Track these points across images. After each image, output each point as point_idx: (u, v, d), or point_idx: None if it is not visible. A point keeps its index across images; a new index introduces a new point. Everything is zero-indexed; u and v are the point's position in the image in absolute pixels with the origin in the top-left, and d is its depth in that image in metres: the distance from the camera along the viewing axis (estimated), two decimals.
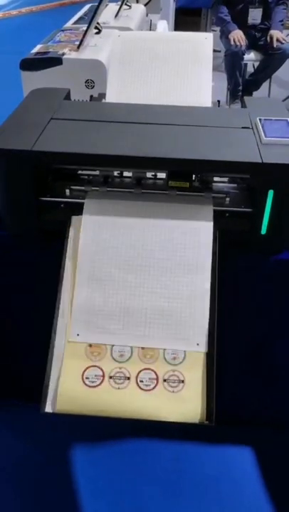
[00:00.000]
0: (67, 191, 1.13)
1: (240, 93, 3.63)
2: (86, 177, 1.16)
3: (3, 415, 1.35)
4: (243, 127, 1.15)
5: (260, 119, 1.15)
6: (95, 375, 0.99)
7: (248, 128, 1.14)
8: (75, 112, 1.21)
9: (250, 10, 3.45)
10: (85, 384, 0.99)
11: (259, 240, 1.10)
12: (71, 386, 0.98)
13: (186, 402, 0.97)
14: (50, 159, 1.06)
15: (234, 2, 3.43)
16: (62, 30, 1.99)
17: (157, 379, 0.99)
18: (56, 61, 1.64)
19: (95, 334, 1.02)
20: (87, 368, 1.00)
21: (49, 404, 0.97)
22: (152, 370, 1.00)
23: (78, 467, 1.24)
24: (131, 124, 1.15)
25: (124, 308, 1.02)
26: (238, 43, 3.35)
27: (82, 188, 1.12)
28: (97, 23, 1.88)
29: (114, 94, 1.33)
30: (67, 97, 1.31)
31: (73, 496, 1.19)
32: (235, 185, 1.17)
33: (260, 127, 1.12)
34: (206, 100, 1.30)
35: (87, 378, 0.99)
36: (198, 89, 1.32)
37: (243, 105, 1.29)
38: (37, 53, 1.68)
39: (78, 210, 1.11)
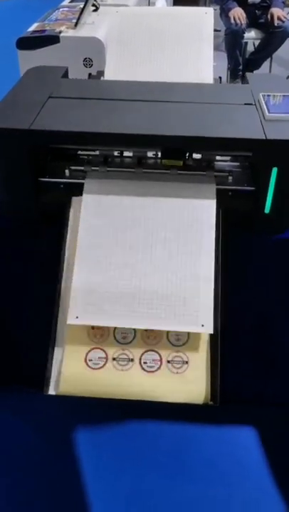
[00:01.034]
0: (67, 172, 1.10)
1: (240, 72, 3.56)
2: (86, 157, 1.14)
3: (6, 400, 1.35)
4: (245, 103, 1.12)
5: (263, 95, 1.12)
6: (98, 357, 0.98)
7: (250, 104, 1.11)
8: (74, 89, 1.18)
9: None
10: (88, 366, 0.98)
11: (263, 218, 1.08)
12: (74, 368, 0.97)
13: (190, 383, 0.96)
14: (48, 138, 1.03)
15: None
16: (59, 9, 1.94)
17: (161, 360, 0.98)
18: (53, 39, 1.60)
19: (95, 316, 0.98)
20: (90, 350, 0.99)
21: (52, 386, 0.97)
22: (156, 352, 0.99)
23: (80, 450, 1.24)
24: (131, 101, 1.12)
25: (125, 288, 0.99)
26: (238, 21, 3.27)
27: (82, 168, 1.10)
28: (95, 0, 1.84)
29: (113, 71, 1.30)
30: (65, 75, 1.28)
31: (75, 478, 1.18)
32: (237, 163, 1.14)
33: (263, 103, 1.09)
34: (207, 77, 1.27)
35: (90, 360, 0.98)
36: (199, 65, 1.28)
37: (245, 81, 1.26)
38: (34, 32, 1.64)
39: (78, 190, 1.09)
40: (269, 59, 3.64)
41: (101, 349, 0.99)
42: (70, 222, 1.08)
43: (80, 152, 1.16)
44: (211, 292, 0.99)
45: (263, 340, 1.28)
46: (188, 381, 0.96)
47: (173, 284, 1.00)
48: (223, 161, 1.15)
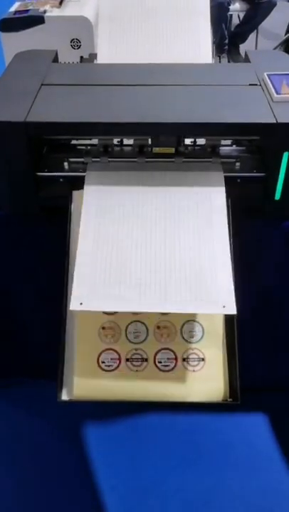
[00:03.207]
0: (66, 164, 1.04)
1: (226, 46, 3.47)
2: (84, 147, 1.08)
3: (14, 393, 1.31)
4: (250, 84, 1.06)
5: (268, 75, 1.06)
6: (111, 359, 0.95)
7: (255, 85, 1.06)
8: (66, 75, 1.11)
9: None
10: (102, 368, 0.94)
11: (273, 205, 1.04)
12: (87, 371, 0.94)
13: (208, 381, 0.93)
14: (45, 130, 0.97)
15: None
16: None
17: (176, 359, 0.95)
18: (38, 20, 1.51)
19: (102, 302, 0.85)
20: (103, 351, 0.95)
21: (65, 391, 0.93)
22: (170, 350, 0.95)
23: (92, 444, 1.22)
24: (127, 86, 1.05)
25: (135, 270, 0.88)
26: None
27: (82, 160, 1.04)
28: None
29: (106, 54, 1.23)
30: (56, 59, 1.20)
31: (89, 473, 1.17)
32: (243, 147, 1.09)
33: (270, 84, 1.04)
34: (206, 56, 1.20)
35: (103, 362, 0.95)
36: (196, 44, 1.22)
37: (246, 59, 1.20)
38: (16, 12, 1.55)
39: (79, 183, 1.03)
40: (255, 31, 3.55)
41: (113, 350, 0.95)
42: (73, 217, 1.02)
43: (76, 142, 1.09)
44: (230, 272, 0.90)
45: (273, 323, 1.25)
46: (205, 379, 0.93)
47: (188, 265, 0.89)
48: (227, 146, 1.10)
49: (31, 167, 1.00)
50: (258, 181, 1.03)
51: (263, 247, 1.12)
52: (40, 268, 1.14)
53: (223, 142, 1.07)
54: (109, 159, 1.04)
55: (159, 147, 1.03)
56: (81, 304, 0.85)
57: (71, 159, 1.04)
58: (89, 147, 1.07)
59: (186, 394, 0.93)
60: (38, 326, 1.20)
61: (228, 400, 0.92)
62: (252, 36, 3.59)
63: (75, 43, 1.54)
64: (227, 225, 0.97)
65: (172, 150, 1.03)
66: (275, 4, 3.28)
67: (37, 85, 1.05)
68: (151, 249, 0.91)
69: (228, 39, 3.47)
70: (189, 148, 1.06)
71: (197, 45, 1.20)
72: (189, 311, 0.91)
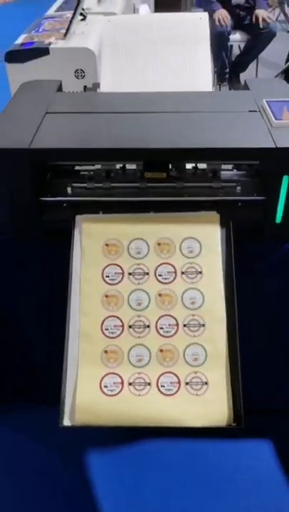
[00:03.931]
0: (69, 189, 1.06)
1: (227, 75, 3.55)
2: (87, 172, 1.10)
3: (16, 418, 1.30)
4: (249, 111, 1.09)
5: (267, 101, 1.09)
6: (114, 383, 0.94)
7: (254, 111, 1.08)
8: (70, 104, 1.14)
9: None
10: (104, 393, 0.93)
11: (274, 228, 1.04)
12: (89, 396, 0.93)
13: (211, 405, 0.92)
14: (49, 156, 0.99)
15: None
16: (46, 18, 1.90)
17: (179, 382, 0.94)
18: (43, 51, 1.56)
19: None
20: (105, 375, 0.95)
21: (67, 417, 0.92)
22: (173, 374, 0.95)
23: (94, 469, 1.20)
24: (131, 114, 1.08)
25: None
26: (223, 23, 3.26)
27: (85, 185, 1.06)
28: (82, 9, 1.80)
29: (109, 83, 1.26)
30: (60, 88, 1.24)
31: (91, 498, 1.14)
32: (243, 172, 1.11)
33: (269, 110, 1.06)
34: (205, 84, 1.24)
35: (105, 387, 0.94)
36: (196, 73, 1.26)
37: (246, 87, 1.23)
38: (22, 44, 1.60)
39: (82, 208, 1.04)
40: (255, 61, 3.63)
41: (116, 374, 0.95)
42: (76, 244, 1.03)
43: (79, 168, 1.11)
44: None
45: (274, 347, 1.25)
46: (209, 403, 0.92)
47: None
48: (227, 170, 1.11)
49: (35, 192, 1.02)
50: (258, 205, 1.04)
51: (265, 270, 1.12)
52: (43, 291, 1.15)
53: (223, 167, 1.09)
54: (112, 184, 1.05)
55: (153, 172, 1.04)
56: None
57: (74, 184, 1.06)
58: (92, 172, 1.09)
59: (189, 419, 0.92)
60: (41, 350, 1.19)
61: (232, 424, 0.91)
62: (252, 65, 3.67)
63: (79, 73, 1.59)
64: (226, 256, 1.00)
65: (159, 175, 1.05)
66: (274, 34, 3.37)
67: (41, 113, 1.08)
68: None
69: (229, 68, 3.55)
70: (188, 172, 1.08)
71: (197, 74, 1.24)
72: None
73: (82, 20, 1.82)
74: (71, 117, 1.08)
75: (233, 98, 1.18)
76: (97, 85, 1.28)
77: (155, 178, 1.05)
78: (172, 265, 1.01)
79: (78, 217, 1.04)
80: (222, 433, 1.05)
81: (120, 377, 0.94)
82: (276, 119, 1.02)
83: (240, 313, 0.99)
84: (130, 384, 0.94)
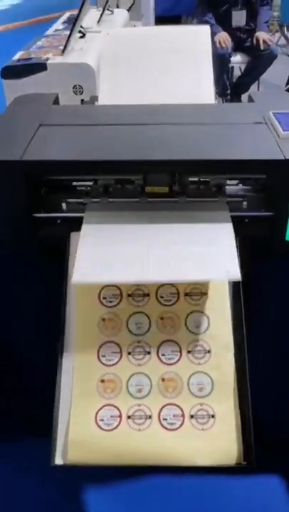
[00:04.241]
0: (64, 205, 1.00)
1: (228, 96, 3.53)
2: (83, 188, 1.04)
3: (6, 452, 1.20)
4: (255, 122, 1.03)
5: (273, 113, 1.03)
6: (111, 416, 0.85)
7: (261, 123, 1.02)
8: (66, 116, 1.09)
9: (233, 12, 3.36)
10: (100, 427, 0.85)
11: (282, 245, 0.97)
12: (84, 431, 0.84)
13: (218, 441, 0.83)
14: (42, 169, 0.93)
15: (217, 4, 3.34)
16: (44, 37, 1.87)
17: (183, 415, 0.85)
18: (40, 67, 1.52)
19: (104, 273, 0.85)
20: (101, 407, 0.86)
21: (59, 454, 0.83)
22: (176, 406, 0.86)
23: (90, 509, 1.09)
24: (129, 125, 1.02)
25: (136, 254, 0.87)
26: (223, 45, 3.25)
27: (81, 200, 0.99)
28: (81, 27, 1.77)
29: (108, 96, 1.21)
30: (56, 101, 1.18)
31: None
32: (248, 187, 1.04)
33: (275, 121, 1.00)
34: (208, 96, 1.18)
35: (101, 420, 0.85)
36: (198, 85, 1.20)
37: (250, 100, 1.18)
38: (19, 60, 1.56)
39: (77, 225, 0.97)
40: (256, 82, 3.62)
41: (113, 406, 0.86)
42: (71, 262, 0.96)
43: (76, 183, 1.05)
44: (232, 236, 0.89)
45: (284, 373, 1.15)
46: (216, 439, 0.83)
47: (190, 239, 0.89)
48: (232, 185, 1.05)
49: (28, 207, 0.95)
50: (266, 221, 0.97)
51: (273, 288, 1.05)
52: (41, 306, 1.07)
53: (228, 182, 1.02)
54: (110, 199, 0.99)
55: (157, 186, 0.98)
56: (83, 276, 0.84)
57: (69, 200, 1.00)
58: (88, 188, 1.02)
59: (194, 457, 0.83)
60: (38, 370, 1.10)
61: (242, 463, 0.82)
62: (253, 87, 3.67)
63: (78, 89, 1.54)
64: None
65: (161, 189, 0.98)
66: (276, 56, 3.36)
67: (35, 126, 1.02)
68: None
69: (230, 89, 3.54)
70: (191, 187, 1.01)
71: (198, 86, 1.19)
72: (191, 279, 0.87)
73: (81, 37, 1.79)
74: (67, 129, 1.02)
75: (237, 110, 1.13)
76: (95, 98, 1.23)
77: (156, 193, 0.98)
78: (175, 286, 0.93)
79: (73, 234, 0.97)
80: (231, 469, 0.95)
81: (118, 409, 0.86)
82: (284, 130, 0.96)
83: (247, 337, 0.91)
84: (129, 417, 0.85)
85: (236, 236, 0.93)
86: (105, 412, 0.85)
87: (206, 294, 0.92)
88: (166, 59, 1.23)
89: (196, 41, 1.25)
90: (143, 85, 1.21)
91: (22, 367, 1.13)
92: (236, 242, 0.90)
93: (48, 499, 1.01)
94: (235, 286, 0.92)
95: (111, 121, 1.04)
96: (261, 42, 3.28)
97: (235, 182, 1.04)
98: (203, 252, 0.87)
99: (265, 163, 0.90)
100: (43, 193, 1.03)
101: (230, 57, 3.32)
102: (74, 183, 1.05)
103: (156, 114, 1.07)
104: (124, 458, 0.83)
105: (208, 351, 0.89)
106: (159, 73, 1.22)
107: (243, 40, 3.42)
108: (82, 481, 1.04)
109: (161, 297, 0.93)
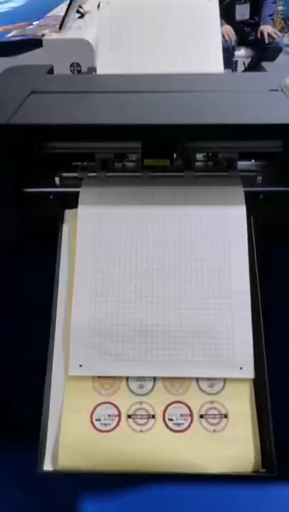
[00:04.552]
0: (57, 179, 0.89)
1: None
2: (80, 163, 0.93)
3: None
4: (270, 90, 0.93)
5: None
6: (109, 415, 0.74)
7: (276, 90, 0.92)
8: (60, 84, 0.99)
9: (236, 6, 3.29)
10: (96, 428, 0.74)
11: None
12: (77, 432, 0.73)
13: (232, 445, 0.72)
14: (30, 134, 0.82)
15: None
16: (41, 18, 1.78)
17: (191, 415, 0.74)
18: (35, 43, 1.42)
19: (103, 363, 0.76)
20: (98, 405, 0.75)
21: (48, 459, 0.72)
22: (184, 404, 0.75)
23: None
24: (129, 93, 0.92)
25: (139, 326, 0.78)
26: (227, 38, 3.17)
27: (76, 174, 0.89)
28: (80, 7, 1.68)
29: (107, 64, 1.11)
30: (51, 72, 1.08)
31: None
32: (263, 162, 0.94)
33: None
34: (216, 66, 1.08)
35: (97, 420, 0.74)
36: (207, 55, 1.10)
37: (262, 70, 1.08)
38: (14, 36, 1.46)
39: (72, 201, 0.87)
40: None
41: (112, 404, 0.75)
42: (64, 243, 0.85)
43: (73, 162, 0.95)
44: (249, 323, 0.77)
45: None
46: (229, 442, 0.72)
47: (198, 317, 0.77)
48: (245, 161, 0.94)
49: (16, 182, 0.85)
50: (283, 197, 0.86)
51: None
52: (25, 300, 0.96)
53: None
54: (108, 174, 0.88)
55: (154, 159, 0.87)
56: (80, 366, 0.76)
57: (64, 174, 0.89)
58: (85, 163, 0.92)
59: (204, 463, 0.72)
60: (23, 378, 1.00)
61: (261, 470, 0.71)
62: None
63: (75, 67, 1.44)
64: (248, 258, 0.81)
65: (161, 162, 0.87)
66: (281, 49, 3.28)
67: (26, 92, 0.92)
68: (155, 293, 0.79)
69: None
70: (199, 161, 0.91)
71: (206, 55, 1.09)
72: (199, 375, 0.76)
73: (79, 17, 1.69)
74: (60, 96, 0.92)
75: (249, 78, 1.03)
76: (92, 69, 1.13)
77: (158, 166, 0.87)
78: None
79: (68, 212, 0.86)
80: (247, 477, 0.83)
81: (117, 407, 0.75)
82: None
83: (265, 327, 0.80)
84: (129, 417, 0.74)
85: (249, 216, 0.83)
86: (102, 410, 0.75)
87: None
88: (171, 27, 1.13)
89: (203, 9, 1.15)
90: (145, 55, 1.11)
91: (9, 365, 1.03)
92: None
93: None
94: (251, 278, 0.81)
95: (109, 88, 0.94)
96: (266, 35, 3.21)
97: (247, 162, 0.94)
98: None
99: (283, 128, 0.79)
100: (34, 166, 0.92)
101: (234, 50, 3.24)
102: (70, 161, 0.95)
103: (159, 82, 0.97)
104: (122, 463, 0.72)
105: None
106: (164, 42, 1.12)
107: (247, 34, 3.35)
108: (74, 489, 0.92)
109: None
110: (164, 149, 0.86)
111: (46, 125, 0.80)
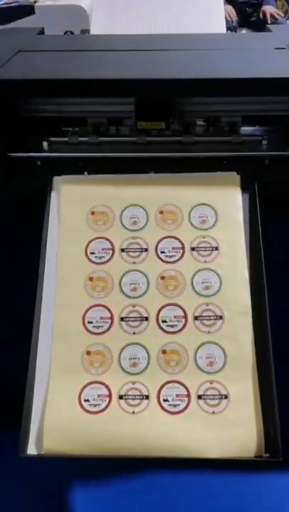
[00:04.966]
0: (45, 144, 0.83)
1: None
2: (70, 129, 0.87)
3: None
4: (276, 48, 0.86)
5: None
6: (98, 395, 0.69)
7: (283, 48, 0.86)
8: (49, 43, 0.93)
9: None
10: (84, 409, 0.68)
11: None
12: (64, 413, 0.67)
13: (233, 428, 0.66)
14: (13, 91, 0.76)
15: None
16: None
17: (189, 396, 0.68)
18: (27, 10, 1.35)
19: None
20: (86, 385, 0.69)
21: (32, 443, 0.66)
22: (180, 384, 0.69)
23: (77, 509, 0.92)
24: (124, 51, 0.86)
25: None
26: (228, 18, 3.09)
27: (66, 139, 0.83)
28: None
29: (101, 28, 1.04)
30: (41, 33, 1.01)
31: None
32: (268, 127, 0.87)
33: None
34: (218, 26, 1.01)
35: (86, 401, 0.68)
36: (208, 15, 1.03)
37: (267, 31, 1.01)
38: (4, 3, 1.39)
39: (61, 168, 0.81)
40: None
41: (101, 383, 0.69)
42: (52, 212, 0.79)
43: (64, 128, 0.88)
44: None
45: None
46: (230, 425, 0.66)
47: None
48: (249, 126, 0.88)
49: (1, 146, 0.78)
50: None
51: None
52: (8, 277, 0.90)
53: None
54: (101, 138, 0.82)
55: (149, 121, 0.80)
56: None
57: (52, 138, 0.83)
58: (76, 128, 0.85)
59: (202, 447, 0.66)
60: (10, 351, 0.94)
61: (264, 455, 0.65)
62: None
63: None
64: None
65: (156, 125, 0.81)
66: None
67: (13, 51, 0.86)
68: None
69: None
70: (199, 125, 0.84)
71: (208, 14, 1.01)
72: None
73: None
74: (49, 54, 0.85)
75: (254, 38, 0.97)
76: (86, 32, 1.06)
77: (153, 129, 0.81)
78: (179, 239, 0.76)
79: (57, 179, 0.81)
80: (249, 463, 0.77)
81: (107, 387, 0.69)
82: None
83: (269, 303, 0.74)
84: (121, 397, 0.68)
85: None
86: (91, 390, 0.69)
87: (216, 248, 0.76)
88: None
89: None
90: (144, 16, 1.04)
91: None
92: None
93: (20, 499, 0.84)
94: (254, 239, 0.75)
95: (103, 47, 0.88)
96: (268, 15, 3.13)
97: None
98: None
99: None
100: (21, 131, 0.86)
101: (235, 30, 3.16)
102: (61, 127, 0.88)
103: (157, 42, 0.90)
104: (113, 447, 0.66)
105: (220, 317, 0.72)
106: (163, 4, 1.05)
107: (249, 15, 3.27)
108: (60, 476, 0.86)
109: (162, 252, 0.76)
110: (160, 109, 0.79)
111: (31, 80, 0.74)
